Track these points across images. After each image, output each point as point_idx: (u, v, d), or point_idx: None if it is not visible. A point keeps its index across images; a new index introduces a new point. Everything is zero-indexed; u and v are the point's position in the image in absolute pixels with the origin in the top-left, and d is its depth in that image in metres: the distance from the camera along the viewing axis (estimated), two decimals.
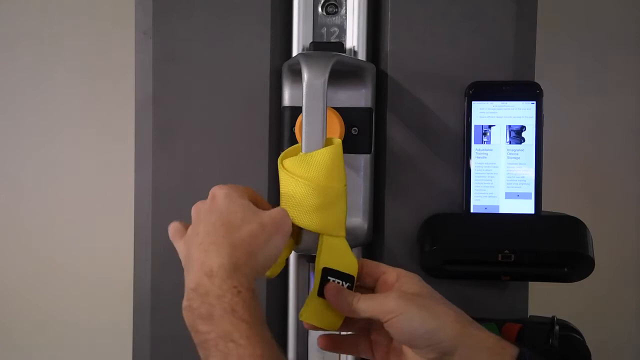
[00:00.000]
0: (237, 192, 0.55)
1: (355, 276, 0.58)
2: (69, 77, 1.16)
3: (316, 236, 0.58)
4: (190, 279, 0.51)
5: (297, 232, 0.58)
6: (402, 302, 0.52)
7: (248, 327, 0.48)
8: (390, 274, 0.57)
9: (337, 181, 0.58)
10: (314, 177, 0.57)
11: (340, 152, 0.59)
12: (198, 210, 0.56)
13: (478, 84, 0.70)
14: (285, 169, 0.58)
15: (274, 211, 0.55)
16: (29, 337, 1.19)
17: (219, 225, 0.53)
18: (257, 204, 0.56)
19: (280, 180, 0.59)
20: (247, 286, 0.50)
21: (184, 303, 0.51)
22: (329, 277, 0.57)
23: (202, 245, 0.52)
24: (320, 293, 0.56)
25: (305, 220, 0.57)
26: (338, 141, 0.59)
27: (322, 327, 0.57)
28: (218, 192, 0.55)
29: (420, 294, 0.54)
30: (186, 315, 0.50)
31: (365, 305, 0.54)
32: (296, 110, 0.71)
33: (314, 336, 0.74)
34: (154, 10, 0.73)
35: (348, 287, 0.57)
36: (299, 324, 0.74)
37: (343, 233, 0.59)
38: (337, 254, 0.58)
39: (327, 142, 0.59)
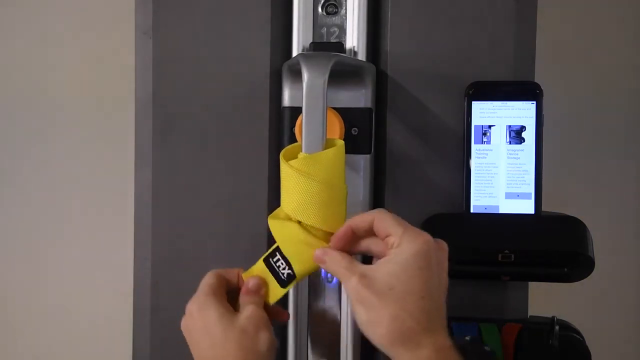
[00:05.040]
0: (207, 303, 0.57)
1: (297, 279, 0.59)
2: (69, 77, 1.16)
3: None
4: None
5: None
6: (353, 293, 0.53)
7: None
8: (394, 236, 0.54)
9: (342, 181, 0.59)
10: (325, 175, 0.57)
11: (343, 152, 0.59)
12: (189, 330, 0.58)
13: (478, 84, 0.70)
14: (293, 167, 0.58)
15: (248, 310, 0.57)
16: (29, 337, 1.19)
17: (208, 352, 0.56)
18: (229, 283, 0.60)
19: (285, 178, 0.59)
20: None
21: None
22: (276, 257, 0.60)
23: None
24: (267, 264, 0.60)
25: (313, 216, 0.57)
26: (341, 142, 0.59)
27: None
28: (192, 308, 0.58)
29: (385, 284, 0.52)
30: None
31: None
32: (296, 110, 0.71)
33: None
34: (154, 10, 0.73)
35: (283, 278, 0.59)
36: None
37: None
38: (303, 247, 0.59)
39: (329, 143, 0.59)
